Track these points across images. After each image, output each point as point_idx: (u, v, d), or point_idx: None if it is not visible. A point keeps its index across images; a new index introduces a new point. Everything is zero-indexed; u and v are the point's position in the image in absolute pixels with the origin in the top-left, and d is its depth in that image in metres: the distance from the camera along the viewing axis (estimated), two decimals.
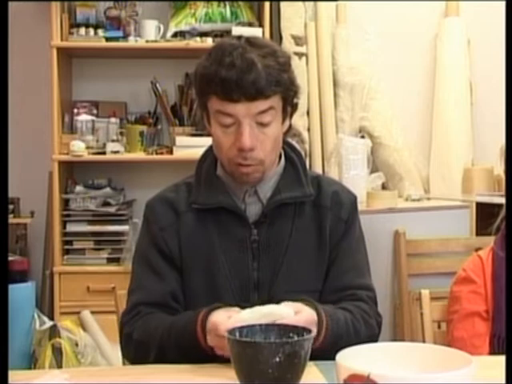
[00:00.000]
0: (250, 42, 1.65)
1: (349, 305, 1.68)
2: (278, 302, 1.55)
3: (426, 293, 1.91)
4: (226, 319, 1.49)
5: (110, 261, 3.59)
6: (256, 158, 1.65)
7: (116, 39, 3.61)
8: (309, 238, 1.73)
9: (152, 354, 1.63)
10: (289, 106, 1.71)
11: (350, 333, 1.63)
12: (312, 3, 3.85)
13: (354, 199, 1.80)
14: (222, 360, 1.50)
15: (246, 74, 1.58)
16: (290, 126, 1.77)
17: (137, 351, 1.68)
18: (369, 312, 1.71)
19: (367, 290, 1.74)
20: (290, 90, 1.68)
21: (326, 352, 1.47)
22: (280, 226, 1.73)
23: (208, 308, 1.56)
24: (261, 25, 3.66)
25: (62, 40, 3.54)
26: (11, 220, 3.60)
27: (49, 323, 2.46)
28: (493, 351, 1.73)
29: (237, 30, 3.47)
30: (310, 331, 1.35)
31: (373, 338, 1.69)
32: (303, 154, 1.86)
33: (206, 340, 1.54)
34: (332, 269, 1.73)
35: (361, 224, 1.82)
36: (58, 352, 2.38)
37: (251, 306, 1.52)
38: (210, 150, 1.79)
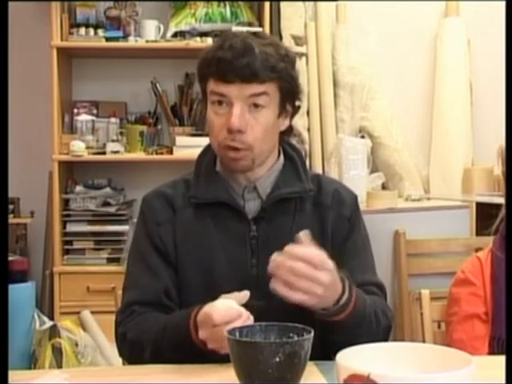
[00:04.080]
0: (255, 33, 1.72)
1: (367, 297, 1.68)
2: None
3: (426, 293, 1.91)
4: (219, 308, 1.45)
5: (110, 261, 3.59)
6: (244, 142, 1.65)
7: (116, 39, 3.62)
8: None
9: (146, 353, 1.61)
10: (288, 104, 1.71)
11: (372, 318, 1.62)
12: (312, 3, 3.85)
13: (354, 198, 1.80)
14: (216, 358, 1.47)
15: (241, 56, 1.62)
16: (291, 128, 1.78)
17: (131, 351, 1.67)
18: (385, 304, 1.71)
19: (377, 287, 1.73)
20: (288, 82, 1.68)
21: (347, 329, 1.50)
22: (280, 222, 1.71)
23: (202, 305, 1.52)
24: (261, 25, 3.66)
25: (62, 40, 3.55)
26: (11, 220, 3.60)
27: (49, 323, 2.44)
28: (492, 353, 1.72)
29: (237, 30, 3.47)
30: (309, 331, 1.35)
31: (388, 329, 1.68)
32: (303, 153, 1.85)
33: (198, 335, 1.50)
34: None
35: (364, 223, 1.81)
36: (58, 352, 2.36)
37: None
38: (210, 145, 1.79)
